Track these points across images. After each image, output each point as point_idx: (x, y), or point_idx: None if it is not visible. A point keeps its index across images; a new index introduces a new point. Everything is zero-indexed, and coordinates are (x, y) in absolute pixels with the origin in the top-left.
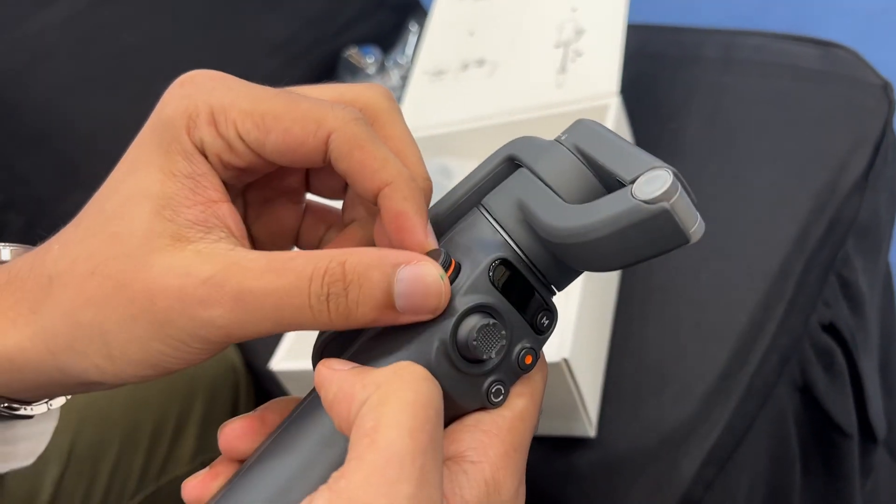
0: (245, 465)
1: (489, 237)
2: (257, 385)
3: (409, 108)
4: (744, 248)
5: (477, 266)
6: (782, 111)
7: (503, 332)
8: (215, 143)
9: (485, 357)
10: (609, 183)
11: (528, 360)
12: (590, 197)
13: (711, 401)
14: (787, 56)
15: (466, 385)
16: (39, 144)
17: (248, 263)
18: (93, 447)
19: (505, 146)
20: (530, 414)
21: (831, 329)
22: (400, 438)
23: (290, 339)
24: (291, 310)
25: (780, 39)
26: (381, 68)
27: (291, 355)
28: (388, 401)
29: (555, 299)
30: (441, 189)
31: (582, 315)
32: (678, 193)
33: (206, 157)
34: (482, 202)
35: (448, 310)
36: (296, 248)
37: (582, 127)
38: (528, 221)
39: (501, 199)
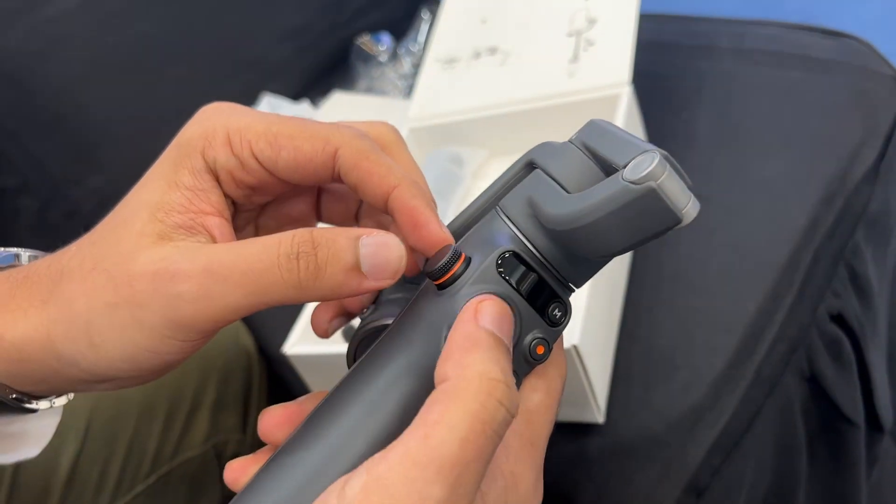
0: (284, 444)
1: (501, 233)
2: (270, 369)
3: (420, 96)
4: (753, 237)
5: (486, 259)
6: (794, 101)
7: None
8: (229, 161)
9: None
10: (610, 172)
11: (540, 350)
12: None
13: (719, 388)
14: (800, 46)
15: None
16: (54, 129)
17: (221, 245)
18: (109, 426)
19: (526, 153)
20: (546, 408)
21: (839, 319)
22: (450, 443)
23: (303, 323)
24: (260, 273)
25: (794, 30)
26: (394, 56)
27: (304, 339)
28: (457, 401)
29: None
30: (453, 177)
31: (592, 302)
32: (665, 173)
33: (218, 176)
34: (499, 204)
35: (456, 299)
36: None
37: (591, 125)
38: (536, 216)
39: (515, 199)
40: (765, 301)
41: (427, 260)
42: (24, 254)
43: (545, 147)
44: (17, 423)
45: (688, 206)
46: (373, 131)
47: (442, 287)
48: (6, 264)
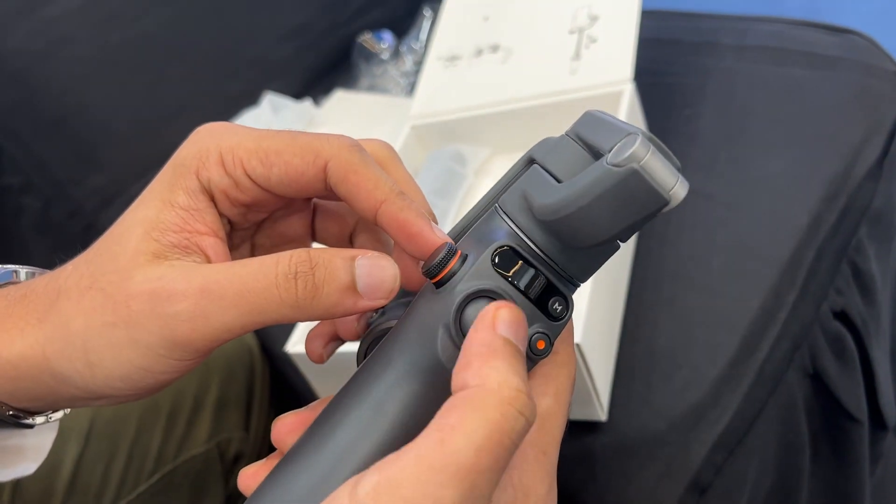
0: (293, 448)
1: (499, 229)
2: (272, 368)
3: (422, 94)
4: (756, 234)
5: (482, 254)
6: (797, 98)
7: None
8: (223, 181)
9: None
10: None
11: (541, 344)
12: None
13: (722, 386)
14: (803, 43)
15: None
16: (57, 128)
17: (217, 265)
18: (111, 426)
19: (529, 150)
20: (555, 413)
21: (843, 316)
22: (466, 450)
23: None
24: (257, 293)
25: (796, 26)
26: (395, 54)
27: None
28: (477, 410)
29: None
30: (455, 175)
31: (594, 300)
32: (648, 154)
33: (213, 195)
34: (497, 201)
35: (451, 296)
36: None
37: (586, 116)
38: (530, 209)
39: (512, 195)
40: (767, 299)
41: (425, 261)
42: (22, 270)
43: (544, 142)
44: (15, 439)
45: (675, 187)
46: (369, 147)
47: (439, 285)
48: (4, 281)
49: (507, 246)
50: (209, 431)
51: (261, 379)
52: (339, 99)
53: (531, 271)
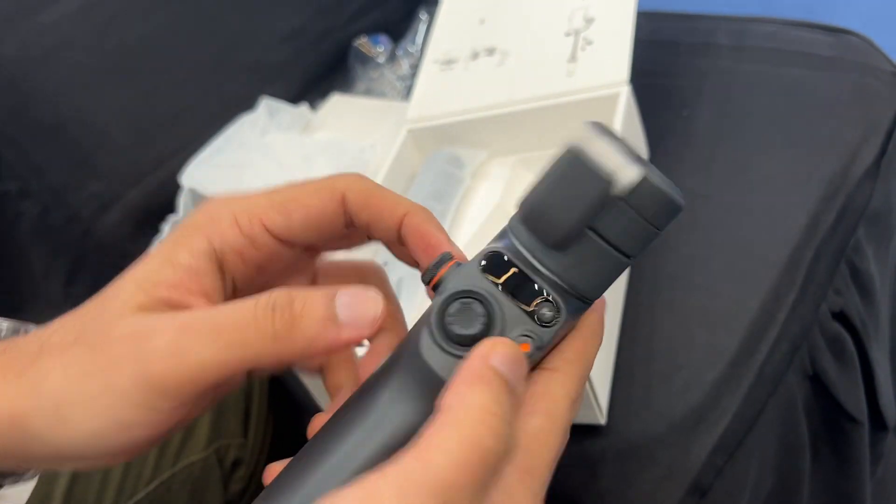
0: (294, 457)
1: (498, 238)
2: (271, 374)
3: (419, 97)
4: (754, 235)
5: (473, 259)
6: (794, 98)
7: (482, 311)
8: (237, 241)
9: (462, 332)
10: None
11: (525, 347)
12: None
13: (721, 388)
14: (800, 43)
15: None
16: (54, 134)
17: (201, 308)
18: None
19: None
20: (547, 433)
21: (842, 317)
22: (445, 466)
23: None
24: (234, 326)
25: (793, 26)
26: (391, 57)
27: None
28: (453, 427)
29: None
30: (452, 179)
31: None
32: (590, 136)
33: (223, 258)
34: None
35: (437, 298)
36: None
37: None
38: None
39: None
40: (766, 300)
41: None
42: (4, 323)
43: None
44: None
45: (620, 171)
46: (348, 180)
47: (435, 291)
48: None
49: (496, 250)
50: (207, 438)
51: (259, 384)
52: (336, 103)
53: (514, 271)
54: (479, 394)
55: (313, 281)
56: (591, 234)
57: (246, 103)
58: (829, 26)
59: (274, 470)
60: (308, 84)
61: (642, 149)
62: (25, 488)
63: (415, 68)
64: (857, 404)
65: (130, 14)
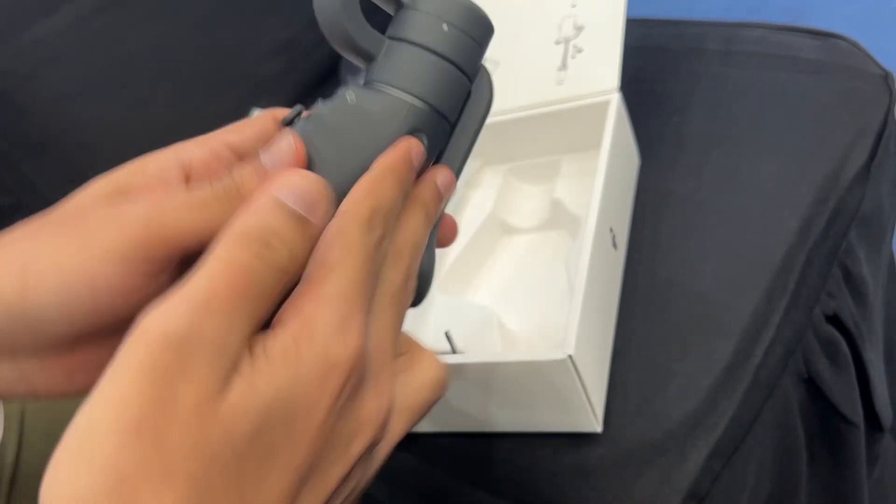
0: None
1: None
2: None
3: None
4: (746, 240)
5: None
6: (784, 103)
7: None
8: (203, 154)
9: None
10: None
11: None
12: None
13: (717, 394)
14: (788, 48)
15: None
16: (46, 149)
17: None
18: None
19: None
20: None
21: (835, 320)
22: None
23: None
24: (201, 200)
25: (781, 31)
26: None
27: None
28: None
29: (561, 295)
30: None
31: (586, 311)
32: None
33: (191, 171)
34: None
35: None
36: None
37: None
38: None
39: None
40: (760, 304)
41: None
42: None
43: None
44: None
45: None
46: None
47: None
48: None
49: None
50: None
51: None
52: None
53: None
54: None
55: None
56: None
57: (238, 116)
58: (817, 30)
59: None
60: (299, 95)
61: (634, 155)
62: None
63: None
64: (852, 406)
65: (121, 29)
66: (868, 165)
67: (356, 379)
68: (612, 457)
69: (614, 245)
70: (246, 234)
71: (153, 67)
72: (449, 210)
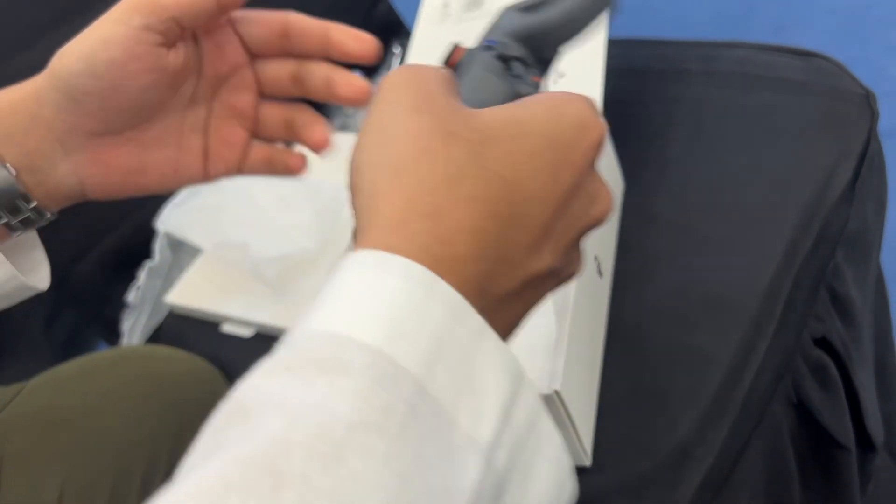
0: None
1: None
2: None
3: None
4: (732, 265)
5: None
6: (766, 124)
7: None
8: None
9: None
10: None
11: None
12: None
13: (706, 423)
14: (770, 68)
15: None
16: None
17: None
18: (83, 495)
19: None
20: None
21: (824, 343)
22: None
23: None
24: None
25: (763, 51)
26: None
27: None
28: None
29: (546, 325)
30: None
31: (572, 344)
32: None
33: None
34: None
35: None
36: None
37: None
38: None
39: None
40: (747, 331)
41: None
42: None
43: None
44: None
45: None
46: None
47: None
48: None
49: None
50: None
51: None
52: None
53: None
54: None
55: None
56: None
57: None
58: (799, 49)
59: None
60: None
61: (618, 179)
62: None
63: None
64: (843, 430)
65: None
66: (852, 185)
67: (600, 151)
68: (602, 490)
69: (599, 273)
70: None
71: None
72: None
